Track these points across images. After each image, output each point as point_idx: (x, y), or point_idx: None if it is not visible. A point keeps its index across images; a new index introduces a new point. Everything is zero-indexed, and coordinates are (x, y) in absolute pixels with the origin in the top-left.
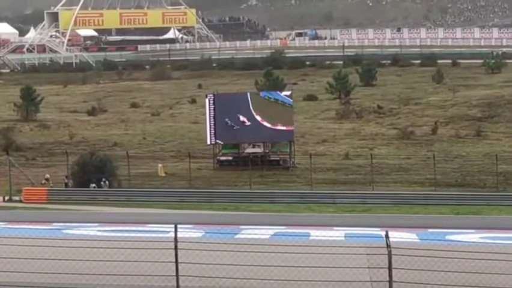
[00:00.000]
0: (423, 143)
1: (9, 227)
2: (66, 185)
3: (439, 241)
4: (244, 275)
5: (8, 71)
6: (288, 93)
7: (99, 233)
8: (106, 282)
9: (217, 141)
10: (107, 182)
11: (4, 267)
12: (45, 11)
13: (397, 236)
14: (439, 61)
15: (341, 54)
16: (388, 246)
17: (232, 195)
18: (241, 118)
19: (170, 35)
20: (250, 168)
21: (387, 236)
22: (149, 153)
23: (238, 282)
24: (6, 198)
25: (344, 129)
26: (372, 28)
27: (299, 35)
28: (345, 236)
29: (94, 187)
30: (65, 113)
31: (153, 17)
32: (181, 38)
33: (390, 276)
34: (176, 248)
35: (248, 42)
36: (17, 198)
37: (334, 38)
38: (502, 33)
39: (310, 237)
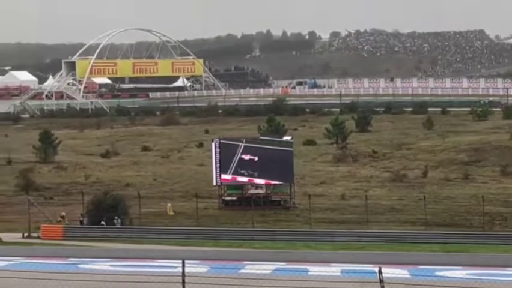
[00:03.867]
0: (415, 185)
1: (27, 262)
2: (81, 222)
3: (429, 277)
4: None
5: (28, 116)
6: (289, 138)
7: (111, 268)
8: None
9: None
10: (119, 220)
11: None
12: (63, 61)
13: (389, 271)
14: (430, 109)
15: (338, 102)
16: (381, 281)
17: (236, 233)
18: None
19: (179, 83)
20: (253, 208)
21: (380, 272)
22: (159, 193)
23: None
24: (26, 234)
25: (340, 172)
26: (367, 78)
27: (299, 83)
28: (341, 272)
29: (103, 224)
30: (81, 155)
31: (163, 67)
32: (190, 86)
33: None
34: (184, 282)
35: (252, 91)
36: (35, 234)
37: (331, 87)
38: (488, 83)
39: (309, 273)
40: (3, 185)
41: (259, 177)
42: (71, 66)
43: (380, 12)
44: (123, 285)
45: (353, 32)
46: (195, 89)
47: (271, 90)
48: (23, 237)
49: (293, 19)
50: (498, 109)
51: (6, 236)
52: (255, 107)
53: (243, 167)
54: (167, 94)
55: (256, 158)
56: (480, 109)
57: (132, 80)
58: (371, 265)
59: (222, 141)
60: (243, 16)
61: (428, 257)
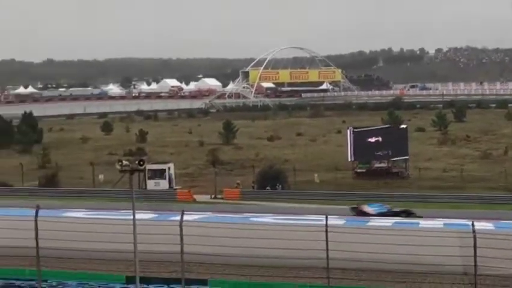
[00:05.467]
0: (498, 161)
1: (214, 215)
2: (252, 187)
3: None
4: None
5: (214, 111)
6: (404, 126)
7: (273, 220)
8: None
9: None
10: (280, 186)
11: (218, 241)
12: (240, 71)
13: (480, 225)
14: (510, 105)
15: (441, 100)
16: (474, 232)
17: (364, 196)
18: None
19: (323, 86)
20: (378, 178)
21: (473, 225)
22: (309, 166)
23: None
24: (213, 196)
25: (442, 151)
26: (462, 82)
27: (412, 86)
28: (443, 224)
29: (268, 189)
30: (253, 139)
31: (312, 75)
32: (331, 88)
33: (475, 252)
34: (326, 231)
35: (377, 92)
36: (219, 196)
37: (436, 89)
38: None
39: (419, 225)
40: (197, 160)
41: (382, 154)
42: (246, 74)
43: (472, 33)
44: (282, 233)
45: (452, 48)
46: (335, 91)
47: (391, 92)
48: (211, 198)
49: (408, 38)
50: None
51: (199, 197)
52: (379, 104)
53: (370, 147)
54: (315, 95)
55: (380, 139)
56: None
57: (289, 84)
58: (466, 220)
59: (354, 129)
60: (370, 36)
61: (510, 214)
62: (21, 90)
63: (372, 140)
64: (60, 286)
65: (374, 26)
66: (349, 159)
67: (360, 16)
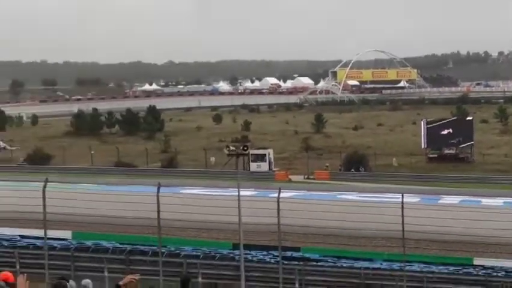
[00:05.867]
0: None
1: (306, 193)
2: (339, 170)
3: None
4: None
5: (307, 105)
6: (470, 118)
7: (357, 198)
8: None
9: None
10: (363, 168)
11: (309, 215)
12: (329, 71)
13: None
14: None
15: (502, 96)
16: None
17: (434, 178)
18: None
19: (401, 84)
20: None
21: None
22: (388, 152)
23: None
24: (305, 177)
25: (504, 140)
26: None
27: (478, 84)
28: (503, 202)
29: (352, 171)
30: (340, 128)
31: (391, 74)
32: (407, 86)
33: None
34: (402, 208)
35: (447, 89)
36: (311, 177)
37: (498, 86)
38: None
39: (481, 203)
40: (293, 146)
41: (451, 142)
42: (334, 74)
43: None
44: (364, 209)
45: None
46: (411, 88)
47: (459, 89)
48: (304, 178)
49: (474, 42)
50: None
51: (294, 178)
52: (449, 99)
53: (441, 136)
54: (393, 91)
55: (449, 129)
56: None
57: (371, 82)
58: None
59: (427, 120)
60: (442, 41)
61: None
62: (146, 87)
63: (443, 130)
64: (178, 251)
65: (445, 32)
66: (422, 146)
67: (433, 23)
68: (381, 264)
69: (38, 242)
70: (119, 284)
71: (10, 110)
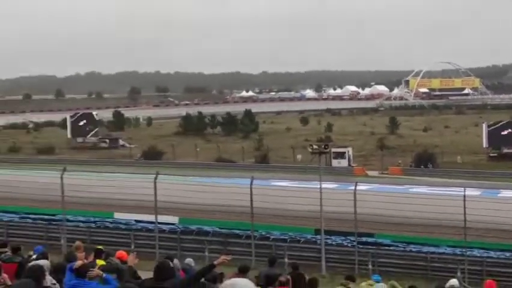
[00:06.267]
0: None
1: (383, 186)
2: (410, 166)
3: None
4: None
5: (383, 109)
6: None
7: (425, 191)
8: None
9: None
10: (431, 165)
11: (383, 205)
12: (403, 79)
13: None
14: None
15: None
16: None
17: (495, 173)
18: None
19: (465, 91)
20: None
21: None
22: (454, 151)
23: None
24: (380, 172)
25: None
26: None
27: None
28: None
29: (422, 167)
30: (411, 130)
31: (457, 82)
32: (471, 93)
33: None
34: (464, 200)
35: (507, 96)
36: (385, 172)
37: None
38: None
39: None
40: (369, 145)
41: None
42: (407, 82)
43: None
44: (431, 201)
45: None
46: (474, 95)
47: None
48: (379, 173)
49: None
50: None
51: (370, 173)
52: (509, 105)
53: (501, 137)
54: (459, 98)
55: (509, 130)
56: None
57: (439, 90)
58: None
59: (488, 123)
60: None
61: None
62: (243, 93)
63: (503, 131)
64: (267, 235)
65: (505, 45)
66: (484, 146)
67: (493, 36)
68: (445, 249)
69: (150, 226)
70: (213, 264)
71: (129, 113)
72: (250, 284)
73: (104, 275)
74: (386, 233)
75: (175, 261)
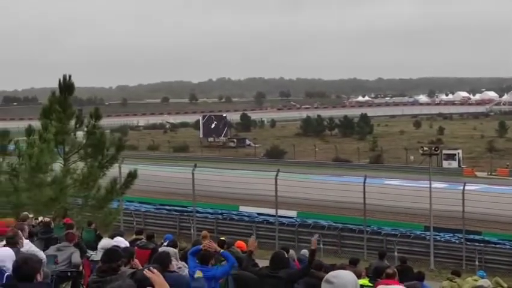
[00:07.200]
0: None
1: (490, 187)
2: None
3: None
4: None
5: (493, 114)
6: None
7: None
8: None
9: None
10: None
11: (490, 205)
12: None
13: None
14: None
15: None
16: None
17: None
18: None
19: None
20: None
21: None
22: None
23: None
24: (489, 173)
25: None
26: None
27: None
28: None
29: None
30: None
31: None
32: None
33: None
34: None
35: None
36: (494, 174)
37: None
38: None
39: None
40: (479, 148)
41: None
42: None
43: None
44: None
45: None
46: None
47: None
48: (487, 175)
49: None
50: None
51: (479, 174)
52: None
53: None
54: None
55: None
56: None
57: None
58: None
59: None
60: None
61: None
62: (360, 98)
63: None
64: (379, 230)
65: None
66: None
67: None
68: None
69: (271, 219)
70: (313, 249)
71: (255, 115)
72: (350, 276)
73: (221, 251)
74: (494, 232)
75: (291, 252)
